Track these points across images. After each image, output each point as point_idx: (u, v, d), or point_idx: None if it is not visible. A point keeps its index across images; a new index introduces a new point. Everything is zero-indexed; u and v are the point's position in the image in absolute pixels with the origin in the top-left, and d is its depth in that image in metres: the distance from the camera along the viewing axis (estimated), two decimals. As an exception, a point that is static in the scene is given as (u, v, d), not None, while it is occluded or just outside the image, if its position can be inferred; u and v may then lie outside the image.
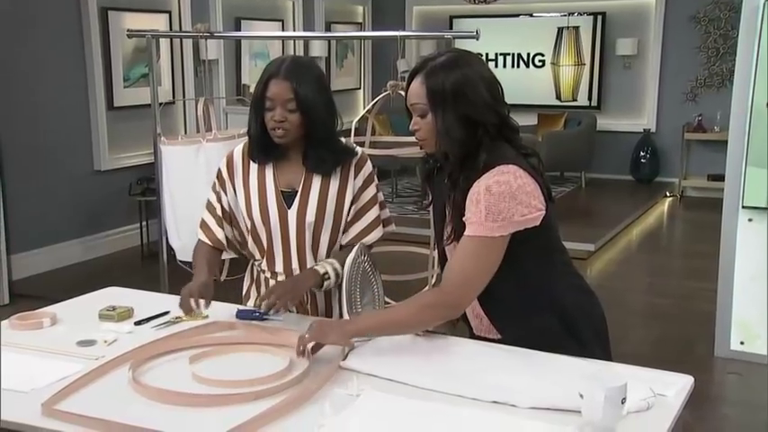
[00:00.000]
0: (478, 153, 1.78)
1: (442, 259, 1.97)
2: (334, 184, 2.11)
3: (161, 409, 1.56)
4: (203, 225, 2.22)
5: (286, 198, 2.12)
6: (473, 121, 1.78)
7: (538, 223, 1.78)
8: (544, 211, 1.79)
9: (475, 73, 1.79)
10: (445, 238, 1.89)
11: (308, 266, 2.14)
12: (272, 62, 2.10)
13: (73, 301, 2.27)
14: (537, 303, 1.86)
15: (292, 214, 2.11)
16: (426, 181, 2.00)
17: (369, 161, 2.18)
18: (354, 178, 2.14)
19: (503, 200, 1.74)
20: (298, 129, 2.04)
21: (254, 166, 2.15)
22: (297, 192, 2.11)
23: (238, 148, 2.20)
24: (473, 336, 1.98)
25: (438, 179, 1.95)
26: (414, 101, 1.82)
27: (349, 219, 2.15)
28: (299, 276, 2.10)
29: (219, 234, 2.20)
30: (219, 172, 2.20)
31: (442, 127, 1.78)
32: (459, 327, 2.03)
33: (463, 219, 1.79)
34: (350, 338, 1.80)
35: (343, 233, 2.16)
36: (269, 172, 2.13)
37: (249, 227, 2.16)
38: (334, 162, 2.10)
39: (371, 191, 2.17)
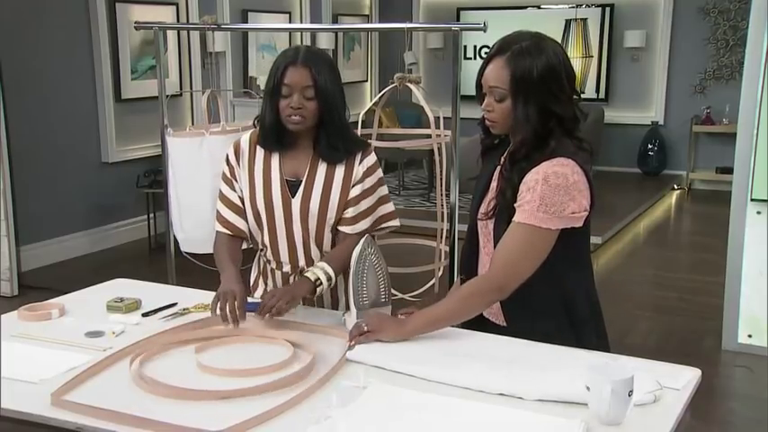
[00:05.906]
0: (548, 141, 1.77)
1: (471, 236, 1.95)
2: (339, 174, 2.10)
3: (168, 401, 1.56)
4: (219, 217, 2.18)
5: (291, 187, 2.11)
6: (552, 113, 1.77)
7: (581, 224, 1.78)
8: (588, 212, 1.79)
9: (559, 63, 1.77)
10: (482, 212, 1.87)
11: (313, 257, 2.14)
12: (287, 51, 2.07)
13: (81, 293, 2.28)
14: (553, 304, 1.86)
15: (296, 203, 2.10)
16: (483, 155, 1.99)
17: (374, 154, 2.17)
18: (359, 165, 2.12)
19: (557, 192, 1.74)
20: (313, 116, 2.03)
21: (259, 155, 2.14)
22: (301, 181, 2.10)
23: (245, 137, 2.19)
24: (480, 319, 1.97)
25: (492, 156, 1.95)
26: (493, 84, 1.78)
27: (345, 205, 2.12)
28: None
29: (239, 223, 2.16)
30: (228, 160, 2.17)
31: (522, 114, 1.76)
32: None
33: (514, 203, 1.78)
34: (405, 338, 1.81)
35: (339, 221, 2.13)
36: (275, 161, 2.13)
37: (254, 215, 2.14)
38: (345, 151, 2.09)
39: (371, 181, 2.14)
